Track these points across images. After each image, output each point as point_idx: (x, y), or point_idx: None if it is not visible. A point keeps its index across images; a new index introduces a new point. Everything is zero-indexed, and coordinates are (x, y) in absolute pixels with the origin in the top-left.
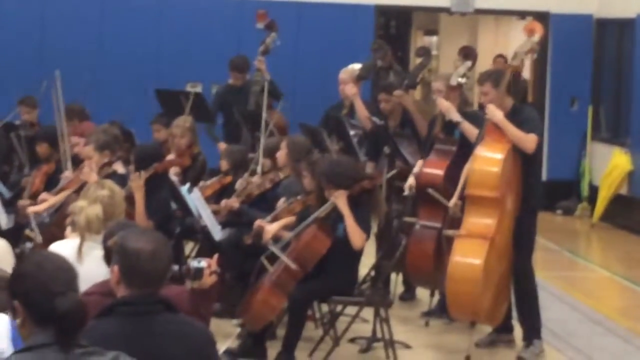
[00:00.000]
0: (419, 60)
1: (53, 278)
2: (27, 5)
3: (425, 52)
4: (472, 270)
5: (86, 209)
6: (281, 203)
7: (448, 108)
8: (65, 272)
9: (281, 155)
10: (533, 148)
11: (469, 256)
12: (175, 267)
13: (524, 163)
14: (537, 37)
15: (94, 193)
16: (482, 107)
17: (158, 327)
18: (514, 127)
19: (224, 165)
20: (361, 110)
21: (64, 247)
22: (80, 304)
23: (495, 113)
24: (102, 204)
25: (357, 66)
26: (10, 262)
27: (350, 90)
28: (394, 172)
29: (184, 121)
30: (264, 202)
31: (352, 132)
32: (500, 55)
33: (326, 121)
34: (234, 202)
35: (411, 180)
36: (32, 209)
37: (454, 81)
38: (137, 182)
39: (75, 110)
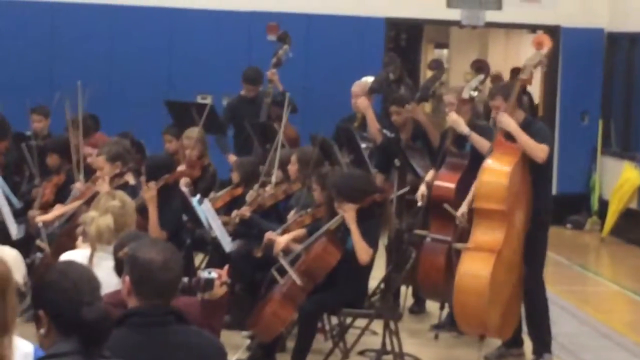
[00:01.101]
0: (431, 73)
1: (79, 287)
2: (38, 16)
3: (438, 64)
4: (478, 283)
5: (97, 219)
6: (292, 215)
7: (456, 121)
8: (90, 282)
9: (292, 168)
10: (544, 158)
11: (475, 269)
12: (185, 280)
13: (534, 177)
14: (545, 50)
15: (105, 204)
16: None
17: (169, 338)
18: (527, 136)
19: (235, 177)
20: (373, 124)
21: (75, 258)
22: (107, 314)
23: (509, 121)
24: (113, 215)
25: (369, 79)
26: (21, 271)
27: (362, 103)
28: (405, 189)
29: (194, 132)
30: (275, 213)
31: (363, 145)
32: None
33: (337, 134)
34: (245, 211)
35: (423, 189)
36: (40, 218)
37: (466, 94)
38: (150, 193)
39: (84, 121)
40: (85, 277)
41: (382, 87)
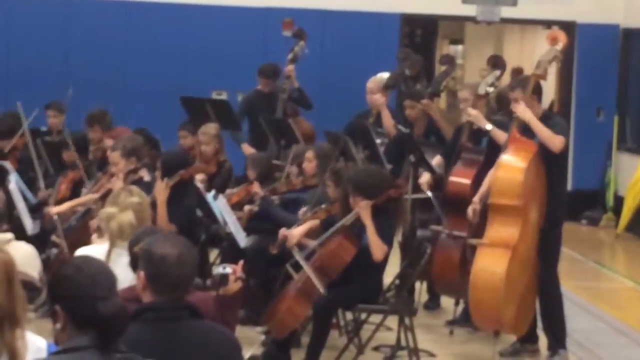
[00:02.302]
0: (442, 68)
1: (95, 282)
2: (53, 12)
3: (449, 59)
4: (493, 279)
5: (118, 215)
6: (303, 213)
7: (477, 116)
8: (106, 277)
9: (309, 165)
10: (560, 148)
11: (491, 265)
12: (199, 280)
13: (549, 172)
14: (560, 46)
15: (125, 200)
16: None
17: (184, 334)
18: (543, 126)
19: (251, 174)
20: (388, 120)
21: (91, 253)
22: (123, 309)
23: (525, 111)
24: (134, 211)
25: (384, 75)
26: (36, 267)
27: (378, 99)
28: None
29: (210, 128)
30: (290, 205)
31: (378, 141)
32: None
33: (351, 129)
34: (257, 189)
35: (427, 177)
36: (53, 210)
37: (482, 90)
38: (161, 188)
39: (96, 117)
40: (101, 272)
41: (397, 83)
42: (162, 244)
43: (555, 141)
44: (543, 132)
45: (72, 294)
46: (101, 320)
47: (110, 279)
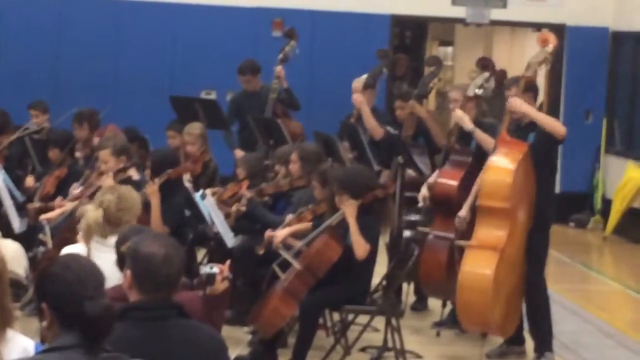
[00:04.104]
0: (430, 70)
1: (82, 281)
2: (43, 11)
3: (435, 61)
4: (482, 281)
5: (87, 213)
6: (289, 217)
7: (461, 117)
8: (94, 276)
9: (293, 166)
10: (564, 134)
11: (479, 266)
12: (187, 280)
13: (538, 174)
14: (550, 48)
15: (100, 197)
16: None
17: (170, 333)
18: (543, 115)
19: (241, 173)
20: (368, 119)
21: (75, 252)
22: (110, 309)
23: (522, 104)
24: (106, 209)
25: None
26: (23, 265)
27: (356, 99)
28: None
29: (194, 128)
30: (277, 206)
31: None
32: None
33: (342, 130)
34: (244, 191)
35: (424, 191)
36: (44, 217)
37: (471, 92)
38: (152, 188)
39: (85, 115)
40: (89, 270)
41: (376, 81)
42: (149, 243)
43: (558, 127)
44: (545, 119)
45: (58, 292)
46: (87, 320)
47: (98, 278)
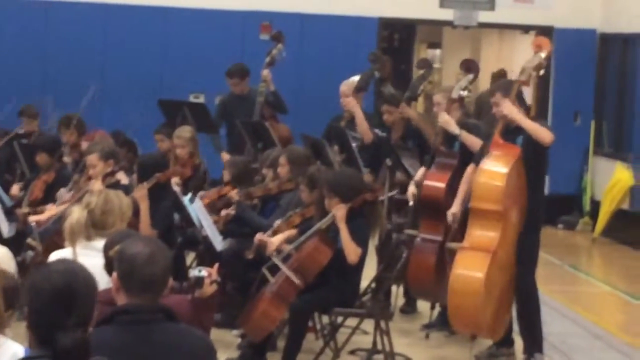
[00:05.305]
0: (420, 72)
1: (56, 306)
2: (31, 15)
3: (425, 64)
4: (473, 283)
5: (72, 214)
6: (277, 222)
7: (447, 121)
8: (70, 299)
9: (282, 169)
10: (550, 141)
11: (471, 269)
12: (176, 283)
13: (528, 177)
14: (544, 53)
15: (85, 200)
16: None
17: (158, 336)
18: (531, 121)
19: (227, 176)
20: (361, 122)
21: (62, 256)
22: (83, 342)
23: (511, 109)
24: (90, 210)
25: (356, 78)
26: (12, 269)
27: (349, 102)
28: (394, 192)
29: (184, 132)
30: (266, 209)
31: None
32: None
33: (328, 133)
34: (233, 194)
35: (412, 189)
36: (33, 218)
37: (455, 94)
38: (141, 192)
39: (73, 119)
40: (67, 293)
41: (368, 85)
42: (134, 244)
43: (544, 134)
44: (532, 126)
45: (33, 309)
46: (57, 351)
47: (76, 300)
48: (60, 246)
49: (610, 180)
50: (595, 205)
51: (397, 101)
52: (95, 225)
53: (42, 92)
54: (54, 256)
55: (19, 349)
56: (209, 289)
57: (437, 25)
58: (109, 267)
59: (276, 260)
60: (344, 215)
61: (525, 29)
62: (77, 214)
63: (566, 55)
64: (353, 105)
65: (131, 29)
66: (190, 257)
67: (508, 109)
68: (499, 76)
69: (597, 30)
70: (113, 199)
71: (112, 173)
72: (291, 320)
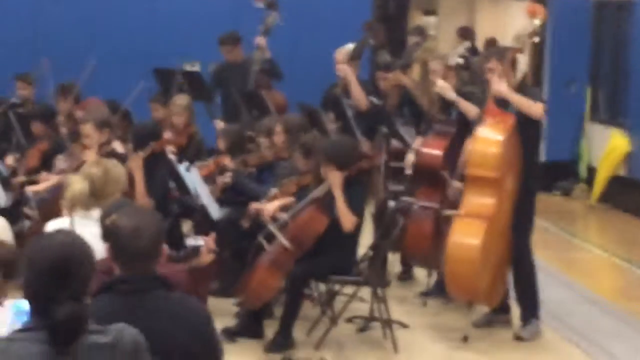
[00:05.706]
0: (413, 40)
1: (50, 279)
2: None
3: (419, 31)
4: (470, 251)
5: (72, 185)
6: (273, 190)
7: (444, 87)
8: (64, 272)
9: (278, 138)
10: (541, 114)
11: (467, 236)
12: (172, 252)
13: (523, 144)
14: (539, 20)
15: (86, 170)
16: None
17: (155, 305)
18: (520, 96)
19: (221, 144)
20: (356, 90)
21: (59, 225)
22: (79, 313)
23: (500, 84)
24: (91, 181)
25: (351, 46)
26: (8, 239)
27: (344, 70)
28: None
29: (181, 99)
30: (262, 177)
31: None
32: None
33: (325, 101)
34: (228, 162)
35: (411, 157)
36: (32, 189)
37: (452, 61)
38: (136, 162)
39: (67, 88)
40: (62, 266)
41: (362, 53)
42: (122, 217)
43: (535, 108)
44: (521, 101)
45: (25, 282)
46: (53, 323)
47: (72, 273)
48: (57, 215)
49: (606, 147)
50: (592, 171)
51: (391, 67)
52: (94, 195)
53: (32, 61)
54: (52, 226)
55: (25, 303)
56: (205, 257)
57: None
58: (105, 236)
59: (272, 228)
60: (340, 183)
61: None
62: (79, 184)
63: (561, 22)
64: (348, 73)
65: None
66: (186, 226)
67: (497, 86)
68: (491, 44)
69: None
70: (112, 170)
71: (108, 142)
72: (288, 288)
